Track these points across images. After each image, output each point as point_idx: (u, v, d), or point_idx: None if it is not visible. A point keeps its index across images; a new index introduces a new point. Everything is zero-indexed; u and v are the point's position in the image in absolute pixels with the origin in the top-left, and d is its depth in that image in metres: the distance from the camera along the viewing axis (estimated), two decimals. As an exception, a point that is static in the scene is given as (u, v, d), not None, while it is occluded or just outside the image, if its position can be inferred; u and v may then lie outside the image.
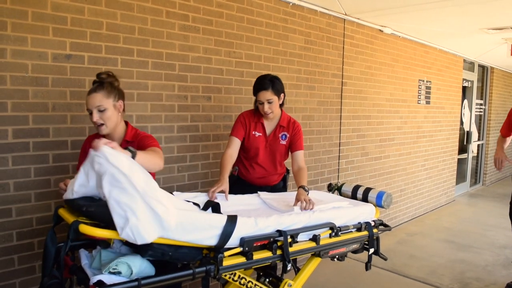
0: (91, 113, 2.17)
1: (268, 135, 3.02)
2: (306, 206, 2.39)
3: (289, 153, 3.10)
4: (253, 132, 2.98)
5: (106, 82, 2.20)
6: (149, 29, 2.99)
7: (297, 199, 2.47)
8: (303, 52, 4.23)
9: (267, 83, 2.86)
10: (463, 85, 7.81)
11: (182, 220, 1.80)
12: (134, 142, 2.29)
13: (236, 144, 2.94)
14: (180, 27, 3.17)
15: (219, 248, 1.92)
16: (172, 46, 3.14)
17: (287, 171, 3.23)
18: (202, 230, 1.87)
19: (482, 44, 6.29)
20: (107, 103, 2.18)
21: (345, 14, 4.59)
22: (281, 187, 3.18)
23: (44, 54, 2.54)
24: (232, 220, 1.95)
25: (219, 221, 1.93)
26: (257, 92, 2.88)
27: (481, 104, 9.05)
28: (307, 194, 2.52)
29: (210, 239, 1.90)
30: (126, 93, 2.89)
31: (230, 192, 2.68)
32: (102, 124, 2.19)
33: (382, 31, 5.23)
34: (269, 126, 3.03)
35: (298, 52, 4.18)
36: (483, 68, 8.95)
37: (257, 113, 3.01)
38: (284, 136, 3.03)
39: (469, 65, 8.24)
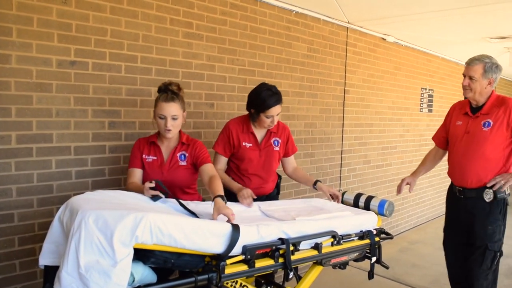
0: (162, 118, 2.43)
1: (260, 143, 2.96)
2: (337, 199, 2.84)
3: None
4: (244, 144, 2.90)
5: (180, 94, 2.49)
6: (153, 36, 3.01)
7: (330, 191, 2.87)
8: (306, 60, 4.24)
9: (278, 97, 2.78)
10: (466, 93, 7.81)
11: (185, 229, 1.81)
12: (189, 145, 2.58)
13: (223, 162, 2.94)
14: (184, 35, 3.19)
15: (223, 256, 1.92)
16: (176, 53, 3.16)
17: (279, 177, 3.21)
18: (205, 239, 1.87)
19: (484, 53, 6.29)
20: (180, 113, 2.48)
21: (348, 22, 4.61)
22: (275, 194, 3.15)
23: (48, 60, 2.55)
24: (236, 228, 1.95)
25: (222, 229, 1.93)
26: (269, 108, 2.76)
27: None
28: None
29: (213, 247, 1.90)
30: (130, 99, 2.92)
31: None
32: (170, 130, 2.45)
33: (385, 39, 5.25)
34: (259, 134, 2.97)
35: (301, 60, 4.19)
36: (485, 77, 8.93)
37: (245, 122, 2.93)
38: (276, 142, 3.00)
39: (472, 74, 8.23)
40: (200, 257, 1.92)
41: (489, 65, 2.83)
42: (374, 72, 5.21)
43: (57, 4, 2.55)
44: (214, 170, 2.56)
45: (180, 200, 2.32)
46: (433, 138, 3.35)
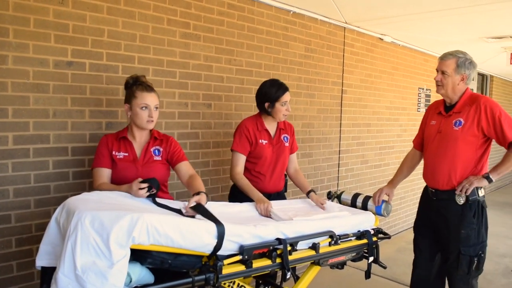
0: (145, 109, 2.37)
1: (273, 139, 3.01)
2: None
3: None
4: (260, 141, 2.94)
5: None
6: (150, 36, 3.01)
7: (320, 202, 2.82)
8: (303, 60, 4.25)
9: (285, 85, 2.94)
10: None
11: (181, 228, 1.81)
12: (162, 140, 2.51)
13: (243, 162, 2.92)
14: (181, 35, 3.19)
15: (216, 252, 1.92)
16: (173, 54, 3.15)
17: (285, 175, 3.23)
18: (201, 238, 1.87)
19: (481, 53, 6.31)
20: (158, 105, 2.45)
21: (345, 23, 4.62)
22: (283, 192, 3.19)
23: (45, 60, 2.55)
24: (219, 224, 1.94)
25: (211, 226, 1.93)
26: (282, 94, 2.89)
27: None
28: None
29: (210, 246, 1.90)
30: (127, 100, 2.91)
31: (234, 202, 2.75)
32: (152, 121, 2.40)
33: (382, 39, 5.25)
34: (271, 131, 3.03)
35: (298, 60, 4.19)
36: (482, 77, 8.97)
37: (258, 120, 2.98)
38: (286, 138, 3.07)
39: (469, 74, 8.25)
40: (197, 257, 1.92)
41: (462, 60, 2.70)
42: (372, 72, 5.21)
43: (53, 4, 2.55)
44: (193, 169, 2.52)
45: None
46: (413, 141, 3.19)
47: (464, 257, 2.68)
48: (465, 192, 2.64)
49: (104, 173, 2.38)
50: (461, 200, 2.68)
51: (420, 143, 3.08)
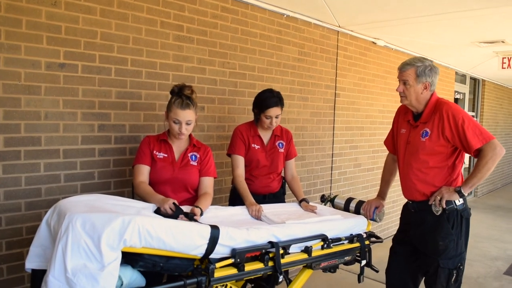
0: (177, 123, 2.49)
1: (266, 145, 3.08)
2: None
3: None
4: (253, 145, 3.03)
5: (193, 99, 2.54)
6: (143, 39, 3.00)
7: (311, 210, 2.84)
8: (296, 64, 4.25)
9: (277, 100, 2.95)
10: (455, 97, 7.89)
11: (173, 231, 1.80)
12: (200, 148, 2.66)
13: (242, 162, 3.00)
14: (174, 37, 3.18)
15: (208, 255, 1.92)
16: (166, 56, 3.15)
17: (283, 177, 3.28)
18: (193, 241, 1.87)
19: (473, 57, 6.37)
20: (194, 118, 2.54)
21: (339, 26, 4.63)
22: (281, 194, 3.24)
23: (37, 62, 2.53)
24: (214, 228, 1.96)
25: (205, 230, 1.93)
26: (267, 108, 2.92)
27: (472, 116, 9.13)
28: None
29: (202, 249, 1.89)
30: (119, 102, 2.91)
31: (234, 205, 2.83)
32: (183, 134, 2.53)
33: (375, 43, 5.28)
34: (265, 137, 3.10)
35: (291, 63, 4.20)
36: (474, 81, 9.04)
37: (252, 126, 3.07)
38: (281, 144, 3.13)
39: (461, 78, 8.32)
40: (189, 260, 1.92)
41: (421, 69, 2.58)
42: (365, 75, 5.23)
43: (46, 6, 2.54)
44: (211, 188, 2.63)
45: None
46: (384, 143, 3.07)
47: (443, 270, 2.55)
48: (438, 204, 2.54)
49: (145, 170, 2.54)
50: (438, 210, 2.55)
51: (393, 146, 2.95)
